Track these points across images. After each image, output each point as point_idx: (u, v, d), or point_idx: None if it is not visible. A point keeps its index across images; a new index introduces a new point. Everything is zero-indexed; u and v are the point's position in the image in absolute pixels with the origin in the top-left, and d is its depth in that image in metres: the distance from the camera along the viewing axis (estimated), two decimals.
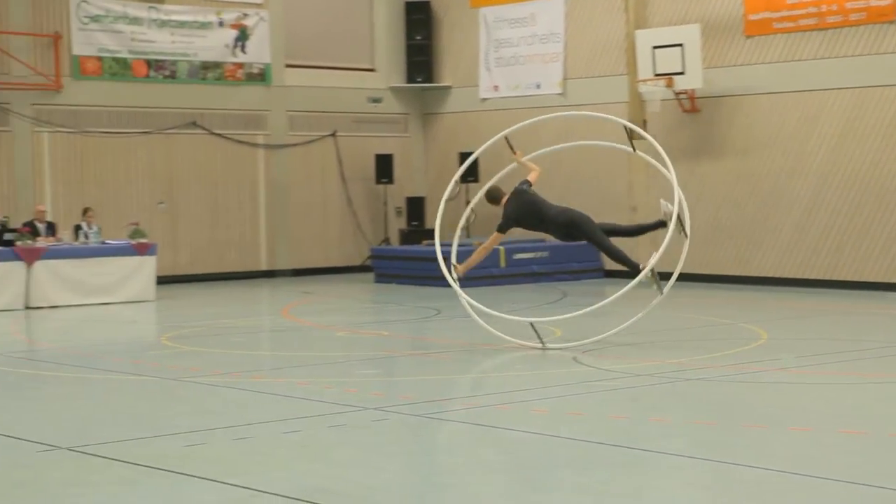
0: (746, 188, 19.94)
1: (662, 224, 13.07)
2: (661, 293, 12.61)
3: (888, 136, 18.47)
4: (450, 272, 12.99)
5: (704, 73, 19.72)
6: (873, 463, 7.79)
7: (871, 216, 18.64)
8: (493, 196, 13.23)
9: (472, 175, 22.57)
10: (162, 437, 8.69)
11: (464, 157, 22.75)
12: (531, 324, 12.89)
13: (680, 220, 12.95)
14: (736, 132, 20.03)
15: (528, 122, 13.99)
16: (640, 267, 12.70)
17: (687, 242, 13.12)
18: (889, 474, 7.46)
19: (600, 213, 21.53)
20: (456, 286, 12.89)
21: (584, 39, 21.90)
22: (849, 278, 18.84)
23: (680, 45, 19.69)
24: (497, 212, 13.25)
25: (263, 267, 22.58)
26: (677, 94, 20.14)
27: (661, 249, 12.61)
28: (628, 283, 12.60)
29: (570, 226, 12.97)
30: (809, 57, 19.19)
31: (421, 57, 24.03)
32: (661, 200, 13.33)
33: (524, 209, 12.93)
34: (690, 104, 20.36)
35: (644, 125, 21.03)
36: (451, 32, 23.89)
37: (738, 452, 8.06)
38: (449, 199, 13.60)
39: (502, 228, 12.88)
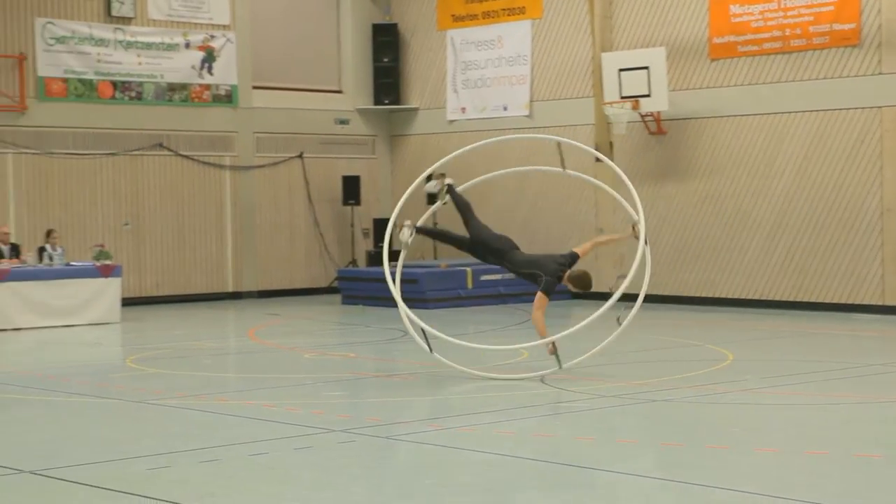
0: (712, 210, 20.06)
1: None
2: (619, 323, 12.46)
3: (851, 158, 18.63)
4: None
5: (670, 96, 19.85)
6: (838, 483, 7.83)
7: (835, 238, 18.78)
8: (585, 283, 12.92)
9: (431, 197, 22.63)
10: (126, 460, 8.62)
11: (430, 179, 22.79)
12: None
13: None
14: (701, 154, 20.16)
15: (459, 151, 13.61)
16: None
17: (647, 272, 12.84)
18: (853, 494, 7.50)
19: (567, 236, 21.69)
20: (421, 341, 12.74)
21: (550, 62, 22.01)
22: (813, 299, 18.97)
23: (646, 67, 19.81)
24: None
25: (230, 289, 22.50)
26: (643, 116, 20.26)
27: (630, 274, 12.54)
28: (600, 306, 12.59)
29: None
30: (773, 80, 19.35)
31: (388, 79, 24.06)
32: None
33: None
34: (656, 126, 20.47)
35: (611, 147, 21.15)
36: (418, 55, 23.95)
37: (705, 474, 8.08)
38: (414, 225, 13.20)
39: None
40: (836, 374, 12.66)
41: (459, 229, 13.29)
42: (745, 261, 19.73)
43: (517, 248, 12.83)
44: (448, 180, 13.03)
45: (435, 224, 13.54)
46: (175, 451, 8.89)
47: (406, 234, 12.80)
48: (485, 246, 12.73)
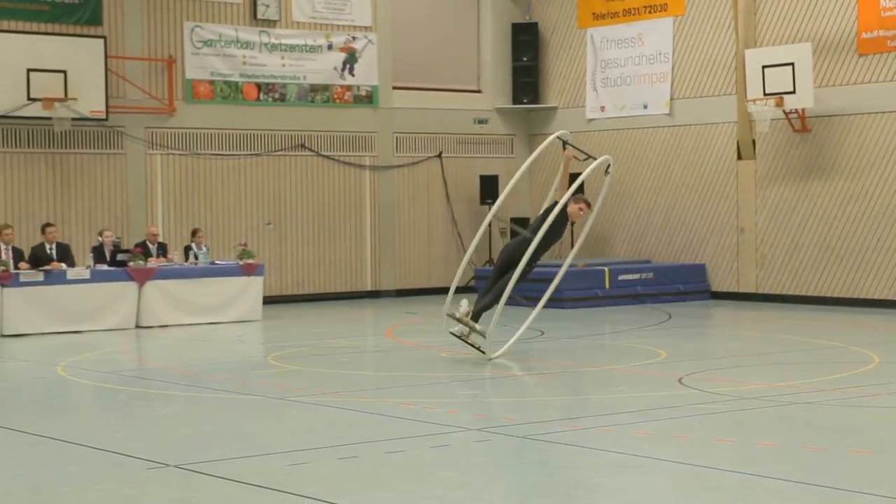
0: (858, 209, 19.58)
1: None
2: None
3: None
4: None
5: (816, 93, 19.44)
6: None
7: None
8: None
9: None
10: (268, 456, 8.78)
11: (570, 178, 22.72)
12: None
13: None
14: (848, 152, 19.69)
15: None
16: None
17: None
18: None
19: (706, 236, 21.38)
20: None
21: (692, 59, 21.73)
22: None
23: (790, 63, 19.45)
24: None
25: (368, 287, 22.75)
26: (787, 113, 19.88)
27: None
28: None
29: None
30: None
31: (527, 78, 24.05)
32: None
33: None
34: (801, 124, 20.06)
35: (753, 146, 20.80)
36: (557, 53, 23.87)
37: (848, 478, 7.89)
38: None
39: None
40: None
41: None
42: (892, 261, 19.20)
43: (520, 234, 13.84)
44: (460, 313, 13.64)
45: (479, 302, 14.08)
46: (314, 448, 9.02)
47: (465, 305, 13.66)
48: (511, 257, 13.57)
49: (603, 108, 23.06)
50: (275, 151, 21.80)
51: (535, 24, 24.07)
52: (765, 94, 19.74)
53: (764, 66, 19.74)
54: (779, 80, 19.54)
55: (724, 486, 7.78)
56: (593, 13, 23.21)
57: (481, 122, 23.97)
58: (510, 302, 13.67)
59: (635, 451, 8.81)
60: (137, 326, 17.59)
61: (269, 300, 19.60)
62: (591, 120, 23.14)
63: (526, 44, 24.00)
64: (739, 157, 21.00)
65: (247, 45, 21.49)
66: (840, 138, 19.76)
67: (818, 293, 19.95)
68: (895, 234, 19.14)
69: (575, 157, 14.17)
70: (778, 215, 20.59)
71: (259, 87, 21.66)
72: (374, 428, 9.91)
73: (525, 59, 24.02)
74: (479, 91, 24.18)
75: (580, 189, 13.98)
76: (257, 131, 21.65)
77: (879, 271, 19.33)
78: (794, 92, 19.44)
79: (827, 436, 9.44)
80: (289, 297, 21.57)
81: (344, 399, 11.26)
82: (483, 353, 13.46)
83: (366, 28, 22.67)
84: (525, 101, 24.07)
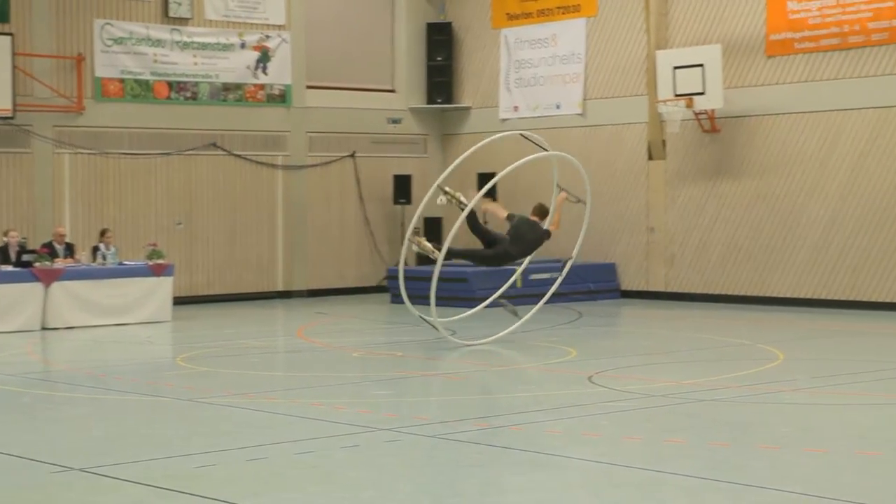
0: (765, 208, 19.87)
1: None
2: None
3: None
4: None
5: (725, 94, 19.70)
6: (889, 485, 7.72)
7: (891, 236, 18.54)
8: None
9: (490, 194, 22.48)
10: (175, 458, 8.68)
11: (482, 177, 22.76)
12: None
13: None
14: (756, 152, 19.97)
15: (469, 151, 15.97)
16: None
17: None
18: None
19: (618, 234, 21.59)
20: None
21: (604, 60, 21.90)
22: (867, 298, 18.74)
23: (700, 65, 19.68)
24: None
25: (280, 287, 22.60)
26: (697, 114, 20.12)
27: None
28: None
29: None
30: (830, 77, 19.14)
31: (441, 78, 24.06)
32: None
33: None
34: (710, 124, 20.32)
35: (663, 146, 21.02)
36: (471, 53, 23.92)
37: (753, 474, 8.00)
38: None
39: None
40: (889, 373, 12.50)
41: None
42: (798, 260, 19.53)
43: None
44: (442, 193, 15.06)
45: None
46: (223, 450, 8.94)
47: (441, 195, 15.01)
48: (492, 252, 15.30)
49: (516, 108, 23.16)
50: (186, 151, 21.56)
51: (449, 24, 24.10)
52: (675, 95, 19.97)
53: (675, 67, 19.97)
54: (689, 81, 19.77)
55: (633, 482, 7.85)
56: (507, 13, 23.30)
57: (395, 121, 23.94)
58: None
59: (545, 449, 8.86)
60: (43, 328, 17.28)
61: (179, 301, 19.38)
62: (504, 120, 23.21)
63: (440, 43, 24.02)
64: (650, 157, 21.21)
65: (158, 43, 21.24)
66: (748, 139, 20.04)
67: (726, 291, 20.22)
68: (801, 233, 19.46)
69: (567, 200, 14.84)
70: (687, 215, 20.84)
71: (170, 85, 21.42)
72: (284, 429, 9.85)
73: (439, 58, 24.04)
74: (392, 91, 24.15)
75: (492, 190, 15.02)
76: (168, 130, 21.40)
77: (786, 269, 19.65)
78: (703, 93, 19.69)
79: (733, 432, 9.57)
80: (199, 298, 21.35)
81: (253, 400, 11.17)
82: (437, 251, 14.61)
83: (279, 27, 22.52)
84: (439, 100, 24.09)
